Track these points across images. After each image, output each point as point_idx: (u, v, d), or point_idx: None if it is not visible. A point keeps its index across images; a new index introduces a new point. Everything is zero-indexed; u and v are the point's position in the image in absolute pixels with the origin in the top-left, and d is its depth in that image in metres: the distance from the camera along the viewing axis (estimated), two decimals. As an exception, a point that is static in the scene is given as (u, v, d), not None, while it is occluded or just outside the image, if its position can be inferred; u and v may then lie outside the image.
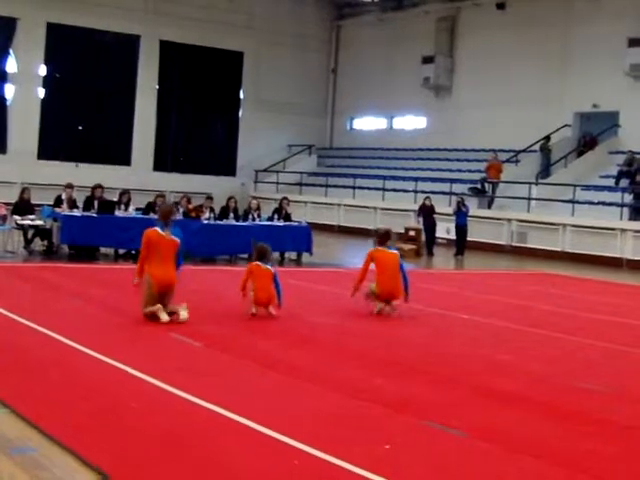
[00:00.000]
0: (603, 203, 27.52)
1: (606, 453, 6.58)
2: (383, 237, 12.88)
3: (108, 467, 5.59)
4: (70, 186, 19.84)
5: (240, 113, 40.97)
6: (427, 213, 26.68)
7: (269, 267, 11.86)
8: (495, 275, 21.65)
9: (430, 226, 26.53)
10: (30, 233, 19.00)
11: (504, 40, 34.34)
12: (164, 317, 10.45)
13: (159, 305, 10.58)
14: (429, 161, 36.15)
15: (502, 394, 8.27)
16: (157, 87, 38.53)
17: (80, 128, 36.92)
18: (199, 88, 39.29)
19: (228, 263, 19.89)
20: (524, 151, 32.34)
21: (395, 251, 12.89)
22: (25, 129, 35.19)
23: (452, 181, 31.81)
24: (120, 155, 37.46)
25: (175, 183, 35.70)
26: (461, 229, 26.33)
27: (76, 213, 18.87)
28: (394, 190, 33.86)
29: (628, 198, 27.05)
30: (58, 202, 19.34)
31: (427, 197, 27.32)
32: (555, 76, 32.72)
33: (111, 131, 37.45)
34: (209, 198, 21.28)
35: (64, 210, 18.84)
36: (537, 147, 32.03)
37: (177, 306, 10.77)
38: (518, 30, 33.86)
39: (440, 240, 27.78)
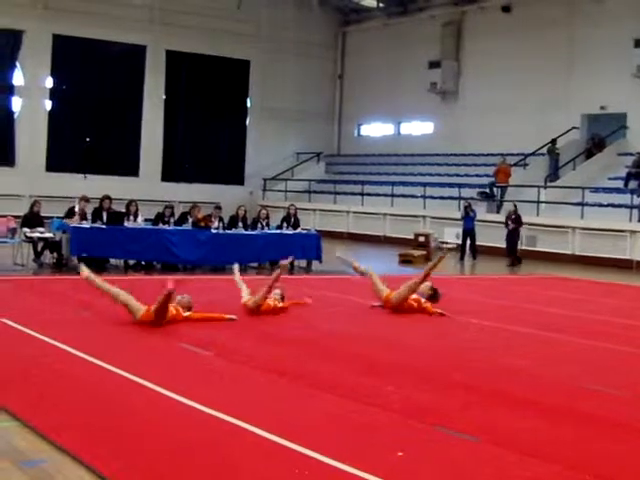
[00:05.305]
0: (612, 205, 27.43)
1: (619, 456, 6.54)
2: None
3: (119, 478, 5.58)
4: (85, 199, 19.72)
5: (247, 122, 41.00)
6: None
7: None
8: (505, 279, 21.59)
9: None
10: (40, 246, 19.01)
11: (510, 43, 34.30)
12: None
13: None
14: (437, 166, 36.16)
15: (514, 398, 8.22)
16: (164, 97, 38.58)
17: (87, 140, 36.89)
18: (206, 97, 39.31)
19: (238, 272, 19.83)
20: (532, 154, 32.27)
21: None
22: (33, 141, 35.25)
23: (460, 186, 31.78)
24: (128, 166, 37.47)
25: (183, 193, 35.66)
26: (469, 233, 26.38)
27: (85, 225, 18.79)
28: (402, 196, 33.85)
29: (637, 200, 26.97)
30: (70, 213, 19.32)
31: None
32: (562, 78, 32.65)
33: (118, 142, 37.49)
34: (217, 207, 21.29)
35: (74, 221, 18.80)
36: (545, 150, 31.97)
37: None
38: (524, 33, 33.84)
39: (450, 244, 27.66)
